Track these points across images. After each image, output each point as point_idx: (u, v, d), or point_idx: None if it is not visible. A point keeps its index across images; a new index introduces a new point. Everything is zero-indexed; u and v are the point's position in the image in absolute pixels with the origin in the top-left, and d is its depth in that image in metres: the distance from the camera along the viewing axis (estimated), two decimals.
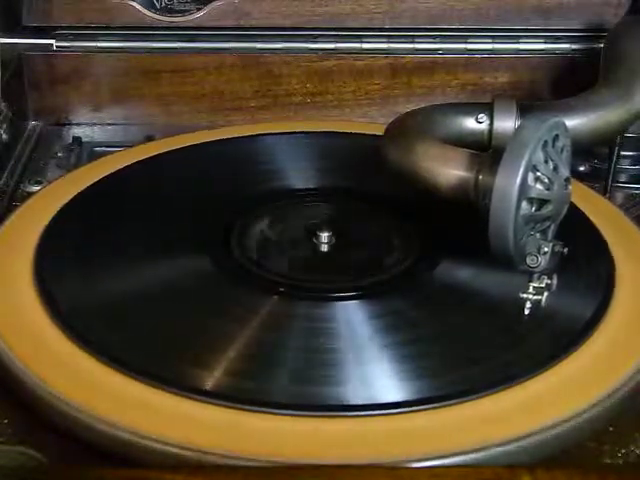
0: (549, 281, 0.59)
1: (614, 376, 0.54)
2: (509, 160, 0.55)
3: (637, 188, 0.80)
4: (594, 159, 0.82)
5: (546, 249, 0.58)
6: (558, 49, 0.90)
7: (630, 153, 0.81)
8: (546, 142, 0.57)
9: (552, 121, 0.57)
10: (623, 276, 0.62)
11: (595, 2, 0.89)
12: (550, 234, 0.59)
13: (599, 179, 0.79)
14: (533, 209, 0.57)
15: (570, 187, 0.59)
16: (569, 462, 0.51)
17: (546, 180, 0.57)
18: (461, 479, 0.45)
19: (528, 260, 0.58)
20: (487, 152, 0.59)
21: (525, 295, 0.59)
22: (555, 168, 0.57)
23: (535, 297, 0.59)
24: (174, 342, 0.56)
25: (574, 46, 0.90)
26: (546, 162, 0.57)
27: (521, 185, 0.54)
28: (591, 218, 0.69)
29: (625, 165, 0.81)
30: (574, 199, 0.67)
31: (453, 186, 0.59)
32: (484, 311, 0.59)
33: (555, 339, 0.56)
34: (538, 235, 0.58)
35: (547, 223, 0.58)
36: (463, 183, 0.59)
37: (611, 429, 0.53)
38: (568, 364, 0.54)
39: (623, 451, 0.52)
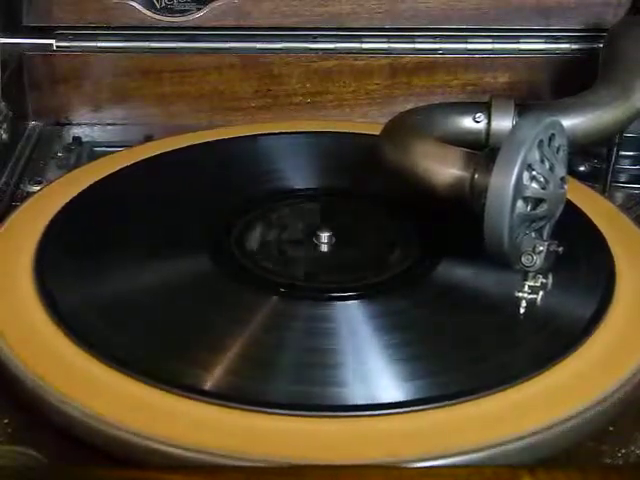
0: (544, 280, 0.59)
1: (614, 376, 0.54)
2: (504, 159, 0.55)
3: (637, 188, 0.80)
4: (594, 159, 0.82)
5: (541, 248, 0.58)
6: (558, 49, 0.90)
7: (630, 153, 0.81)
8: (542, 141, 0.57)
9: (548, 120, 0.57)
10: (623, 276, 0.62)
11: (595, 2, 0.89)
12: (545, 233, 0.59)
13: (599, 179, 0.79)
14: (528, 208, 0.57)
15: (566, 186, 0.59)
16: (569, 462, 0.51)
17: (542, 179, 0.57)
18: (461, 479, 0.45)
19: (523, 259, 0.58)
20: (483, 151, 0.59)
21: (520, 294, 0.59)
22: (551, 167, 0.57)
23: (530, 296, 0.59)
24: (174, 342, 0.56)
25: (574, 46, 0.90)
26: (542, 161, 0.57)
27: (516, 184, 0.55)
28: (591, 218, 0.69)
29: (625, 165, 0.81)
30: (574, 198, 0.68)
31: (449, 185, 0.59)
32: (484, 311, 0.59)
33: (555, 339, 0.56)
34: (533, 234, 0.59)
35: (542, 222, 0.58)
36: (459, 182, 0.59)
37: (611, 429, 0.53)
38: (568, 364, 0.54)
39: (623, 451, 0.52)
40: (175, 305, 0.60)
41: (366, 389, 0.53)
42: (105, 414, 0.50)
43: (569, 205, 0.62)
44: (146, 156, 0.78)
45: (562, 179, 0.58)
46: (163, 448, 0.48)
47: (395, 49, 0.90)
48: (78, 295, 0.60)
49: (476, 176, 0.58)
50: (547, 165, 0.57)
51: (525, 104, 0.70)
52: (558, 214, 0.59)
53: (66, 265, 0.63)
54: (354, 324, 0.58)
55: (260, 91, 0.91)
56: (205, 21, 0.90)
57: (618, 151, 0.78)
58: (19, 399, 0.53)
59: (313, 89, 0.91)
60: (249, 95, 0.91)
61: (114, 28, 0.89)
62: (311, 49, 0.90)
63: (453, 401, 0.51)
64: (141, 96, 0.91)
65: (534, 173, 0.56)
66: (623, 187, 0.80)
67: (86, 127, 0.91)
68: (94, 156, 0.83)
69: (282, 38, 0.90)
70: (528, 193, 0.56)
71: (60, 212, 0.68)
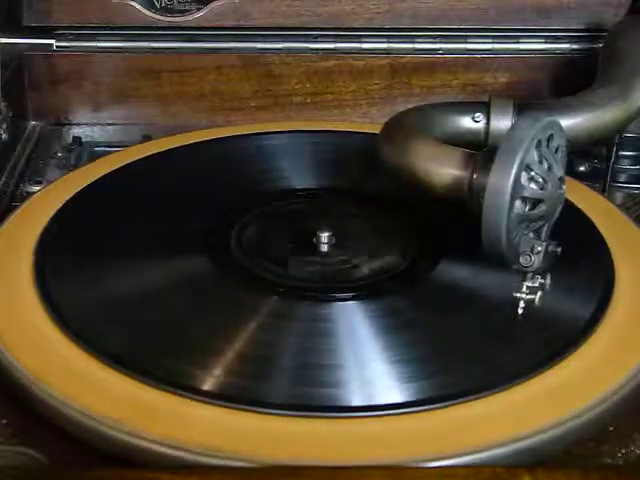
0: (543, 281, 0.59)
1: (614, 376, 0.54)
2: (502, 159, 0.55)
3: (637, 188, 0.80)
4: (594, 159, 0.82)
5: (539, 249, 0.58)
6: (558, 49, 0.90)
7: (629, 153, 0.81)
8: (540, 142, 0.57)
9: (546, 120, 0.57)
10: (622, 276, 0.62)
11: (595, 2, 0.89)
12: (544, 234, 0.59)
13: (599, 179, 0.79)
14: (527, 208, 0.57)
15: (564, 187, 0.59)
16: (569, 462, 0.51)
17: (540, 180, 0.57)
18: (461, 479, 0.45)
19: (521, 259, 0.58)
20: (481, 151, 0.59)
21: (518, 295, 0.59)
22: (549, 168, 0.57)
23: (528, 297, 0.58)
24: (174, 342, 0.56)
25: (574, 46, 0.90)
26: (540, 162, 0.57)
27: (514, 184, 0.54)
28: (591, 218, 0.69)
29: (624, 165, 0.81)
30: (574, 198, 0.68)
31: (447, 185, 0.59)
32: (484, 311, 0.59)
33: (555, 339, 0.56)
34: (532, 235, 0.58)
35: (541, 222, 0.58)
36: (457, 182, 0.59)
37: (611, 429, 0.53)
38: (568, 364, 0.54)
39: (623, 451, 0.52)
40: (175, 305, 0.60)
41: (365, 390, 0.53)
42: (105, 414, 0.50)
43: (569, 205, 0.62)
44: (145, 156, 0.78)
45: (560, 179, 0.58)
46: (162, 449, 0.48)
47: (395, 49, 0.90)
48: (78, 295, 0.60)
49: (474, 176, 0.58)
50: (545, 165, 0.57)
51: (524, 104, 0.70)
52: (557, 214, 0.59)
53: (66, 265, 0.63)
54: (353, 324, 0.58)
55: (260, 91, 0.91)
56: (205, 21, 0.90)
57: (618, 151, 0.78)
58: (19, 399, 0.53)
59: (313, 89, 0.91)
60: (249, 95, 0.91)
61: (114, 28, 0.90)
62: (311, 49, 0.90)
63: (452, 402, 0.51)
64: (141, 96, 0.91)
65: (532, 173, 0.56)
66: (622, 187, 0.80)
67: (86, 127, 0.91)
68: (94, 156, 0.83)
69: (282, 38, 0.90)
70: (526, 193, 0.56)
71: (60, 212, 0.68)
